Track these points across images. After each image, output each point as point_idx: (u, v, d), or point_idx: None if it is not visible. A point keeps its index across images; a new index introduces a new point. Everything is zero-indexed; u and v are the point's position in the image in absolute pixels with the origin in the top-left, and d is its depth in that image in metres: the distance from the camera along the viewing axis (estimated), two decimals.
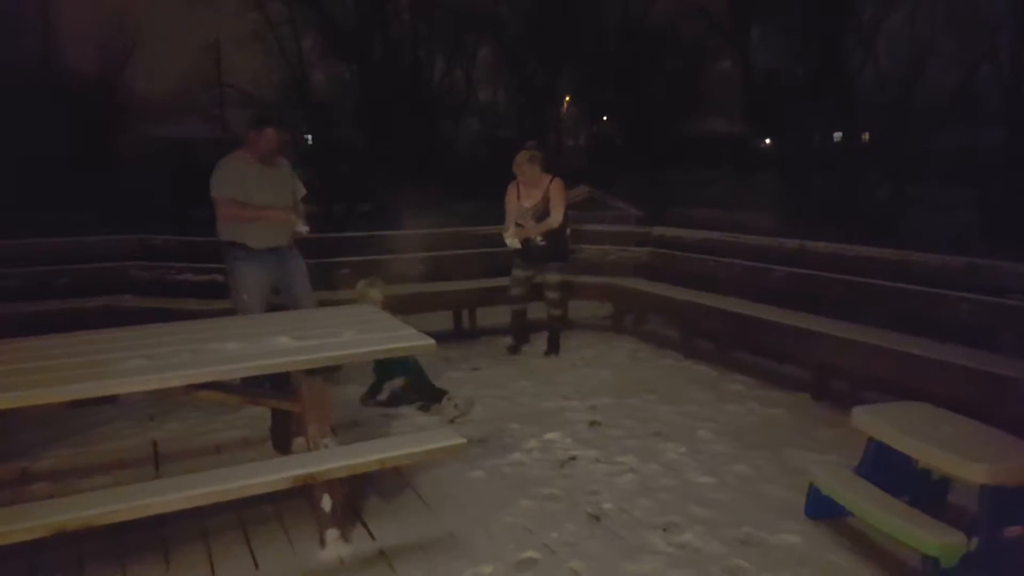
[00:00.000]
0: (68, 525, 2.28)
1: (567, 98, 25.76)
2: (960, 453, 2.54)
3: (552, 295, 5.49)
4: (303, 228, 4.51)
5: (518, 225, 5.38)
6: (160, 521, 2.66)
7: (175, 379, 2.60)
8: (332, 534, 2.85)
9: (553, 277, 5.45)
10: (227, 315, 4.07)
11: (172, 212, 15.81)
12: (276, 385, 3.45)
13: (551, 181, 5.34)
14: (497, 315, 6.34)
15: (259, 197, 4.38)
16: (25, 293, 5.36)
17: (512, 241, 5.39)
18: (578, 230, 6.90)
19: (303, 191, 4.76)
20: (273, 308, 4.51)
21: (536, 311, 5.73)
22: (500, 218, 5.59)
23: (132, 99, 23.84)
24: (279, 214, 4.42)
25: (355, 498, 3.16)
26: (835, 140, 20.23)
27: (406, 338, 3.07)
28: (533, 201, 5.34)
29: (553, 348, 5.58)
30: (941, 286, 4.25)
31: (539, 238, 5.33)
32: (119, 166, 20.19)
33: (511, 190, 5.47)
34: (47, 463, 3.65)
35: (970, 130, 17.10)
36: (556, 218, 5.29)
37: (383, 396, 4.48)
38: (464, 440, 2.91)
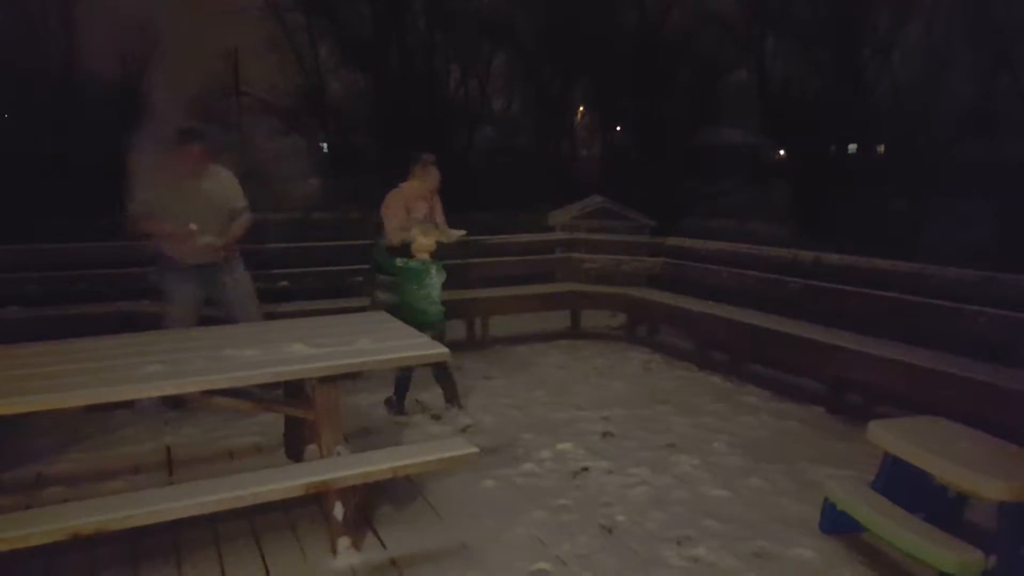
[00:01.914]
0: (82, 529, 2.30)
1: (580, 108, 25.79)
2: (979, 469, 2.51)
3: None
4: (209, 240, 4.30)
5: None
6: (173, 526, 2.67)
7: (191, 385, 2.62)
8: (344, 542, 2.85)
9: None
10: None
11: None
12: (290, 392, 3.46)
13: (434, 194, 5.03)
14: (510, 324, 6.35)
15: (180, 215, 4.23)
16: (44, 298, 5.41)
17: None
18: (592, 240, 6.92)
19: (242, 202, 4.58)
20: (208, 321, 4.40)
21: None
22: (513, 227, 5.57)
23: (152, 106, 24.11)
24: (188, 237, 4.25)
25: (367, 506, 3.16)
26: (850, 152, 20.13)
27: (421, 346, 3.08)
28: (422, 212, 4.92)
29: None
30: (958, 299, 4.21)
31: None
32: None
33: (400, 199, 4.91)
34: (62, 467, 3.68)
35: (989, 142, 16.95)
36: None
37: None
38: (477, 450, 2.90)
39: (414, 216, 4.93)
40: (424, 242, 4.46)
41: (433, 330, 4.24)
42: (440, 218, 5.04)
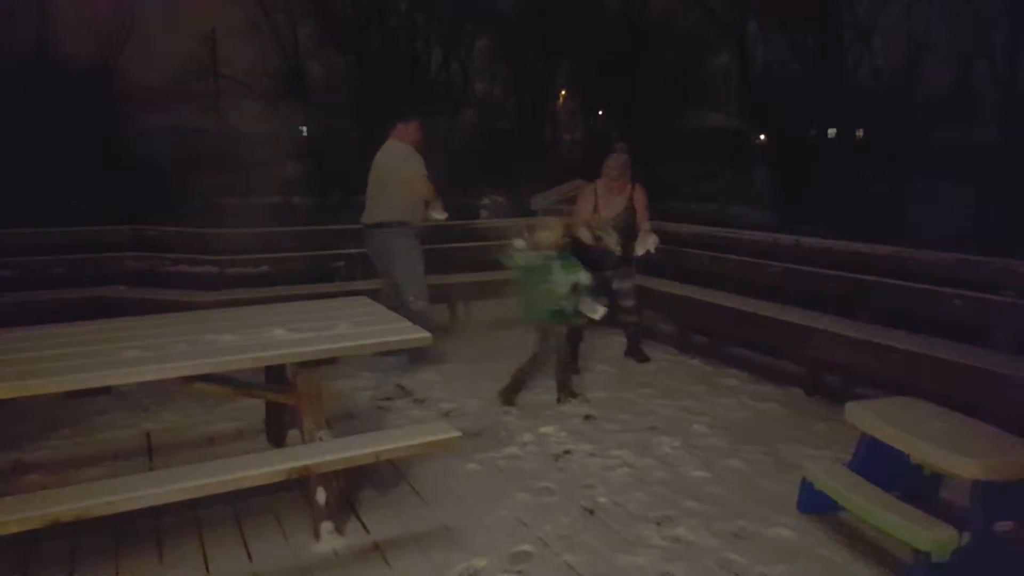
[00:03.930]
0: (61, 516, 2.28)
1: (562, 92, 25.68)
2: (952, 449, 2.56)
3: (629, 302, 5.26)
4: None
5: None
6: (154, 513, 2.65)
7: (171, 370, 2.60)
8: (326, 527, 2.85)
9: (629, 283, 5.21)
10: (221, 307, 4.06)
11: (167, 202, 15.73)
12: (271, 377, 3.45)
13: (634, 188, 5.05)
14: (493, 309, 6.34)
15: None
16: (19, 283, 5.33)
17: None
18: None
19: None
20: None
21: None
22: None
23: (128, 88, 23.65)
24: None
25: (350, 491, 3.16)
26: (829, 136, 20.24)
27: (402, 331, 3.08)
28: (616, 210, 4.99)
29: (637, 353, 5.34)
30: (934, 282, 4.27)
31: (617, 246, 4.94)
32: (115, 155, 20.06)
33: (590, 195, 5.06)
34: (41, 454, 3.64)
35: (966, 126, 17.14)
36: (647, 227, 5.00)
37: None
38: (459, 433, 2.90)
39: (603, 214, 4.94)
40: (543, 236, 4.34)
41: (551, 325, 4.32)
42: (640, 214, 5.00)
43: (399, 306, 4.75)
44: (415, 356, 4.96)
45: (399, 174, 4.83)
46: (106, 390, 4.06)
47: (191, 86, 24.30)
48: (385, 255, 4.96)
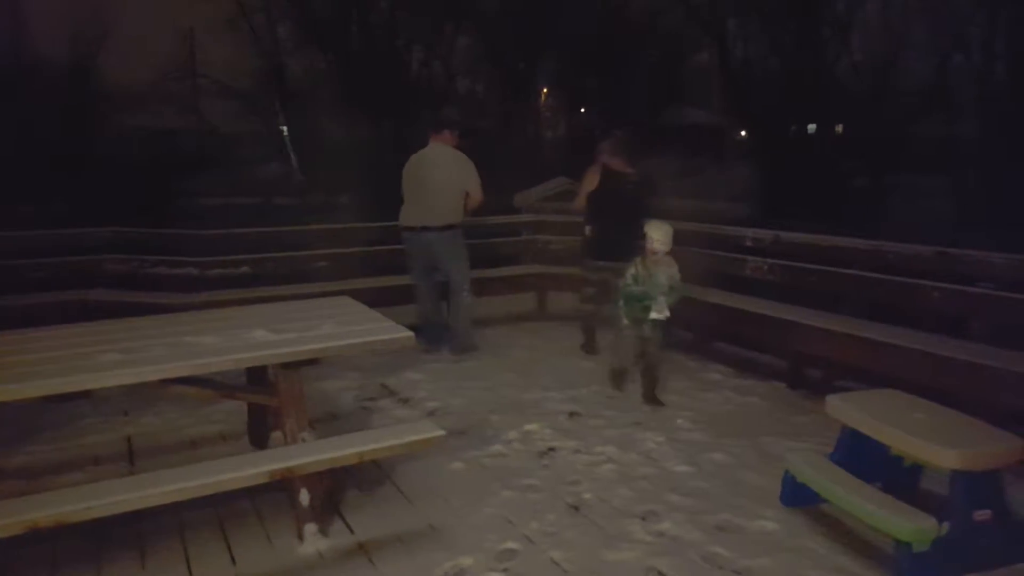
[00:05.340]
0: (40, 522, 2.25)
1: (544, 89, 25.70)
2: (931, 440, 2.59)
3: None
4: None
5: None
6: (135, 517, 2.62)
7: (151, 373, 2.57)
8: (310, 528, 2.83)
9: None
10: (202, 308, 4.03)
11: (147, 204, 15.57)
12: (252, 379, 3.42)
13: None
14: (478, 307, 6.32)
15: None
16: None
17: None
18: (557, 222, 6.92)
19: None
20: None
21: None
22: (478, 209, 5.54)
23: (106, 88, 23.36)
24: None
25: (334, 492, 3.14)
26: (809, 131, 20.40)
27: (386, 330, 3.06)
28: None
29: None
30: (913, 275, 4.32)
31: None
32: (94, 156, 19.82)
33: None
34: (19, 459, 3.59)
35: (944, 120, 17.33)
36: None
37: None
38: (443, 432, 2.90)
39: None
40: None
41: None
42: None
43: (426, 302, 5.32)
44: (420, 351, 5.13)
45: (463, 182, 5.17)
46: (86, 394, 4.01)
47: (170, 86, 24.09)
48: (437, 255, 5.21)
